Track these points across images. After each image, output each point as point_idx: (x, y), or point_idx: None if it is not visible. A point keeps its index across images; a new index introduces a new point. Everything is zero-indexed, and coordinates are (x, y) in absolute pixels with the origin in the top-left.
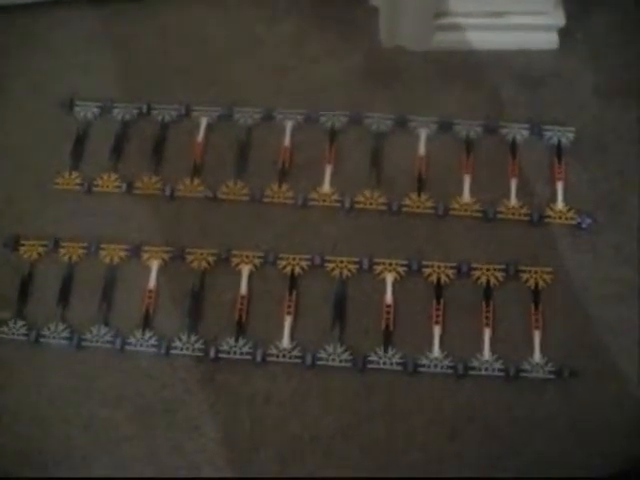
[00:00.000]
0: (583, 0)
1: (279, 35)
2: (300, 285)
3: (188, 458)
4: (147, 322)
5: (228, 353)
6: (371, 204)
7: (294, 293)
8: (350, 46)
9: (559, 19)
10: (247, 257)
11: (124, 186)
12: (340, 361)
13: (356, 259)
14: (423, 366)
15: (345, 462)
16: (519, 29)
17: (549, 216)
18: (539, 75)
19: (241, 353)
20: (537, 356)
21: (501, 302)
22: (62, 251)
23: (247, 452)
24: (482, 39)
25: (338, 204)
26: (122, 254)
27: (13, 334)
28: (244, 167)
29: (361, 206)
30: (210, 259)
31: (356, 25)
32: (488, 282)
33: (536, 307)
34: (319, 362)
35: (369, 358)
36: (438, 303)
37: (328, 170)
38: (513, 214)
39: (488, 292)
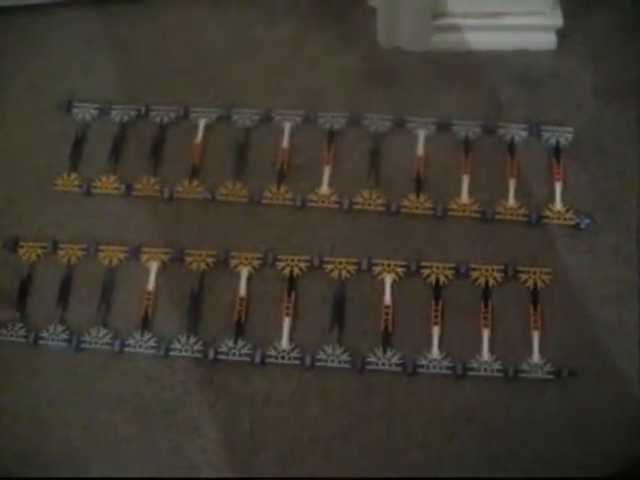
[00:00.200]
0: (581, 0)
1: (278, 36)
2: (299, 286)
3: (188, 459)
4: (146, 324)
5: (227, 354)
6: (370, 205)
7: (293, 294)
8: (349, 47)
9: (557, 20)
10: (246, 258)
11: (123, 188)
12: (339, 362)
13: (355, 260)
14: (422, 367)
15: (345, 462)
16: (517, 30)
17: (548, 217)
18: (537, 75)
19: (240, 354)
20: (536, 356)
21: (500, 303)
22: (61, 253)
23: (247, 453)
24: (480, 40)
25: (337, 205)
26: (121, 256)
27: (12, 336)
28: (243, 168)
29: (360, 207)
30: (209, 260)
31: (354, 26)
32: (487, 283)
33: (535, 308)
34: (318, 363)
35: (368, 359)
36: (437, 304)
37: (327, 171)
38: (512, 215)
39: (487, 293)
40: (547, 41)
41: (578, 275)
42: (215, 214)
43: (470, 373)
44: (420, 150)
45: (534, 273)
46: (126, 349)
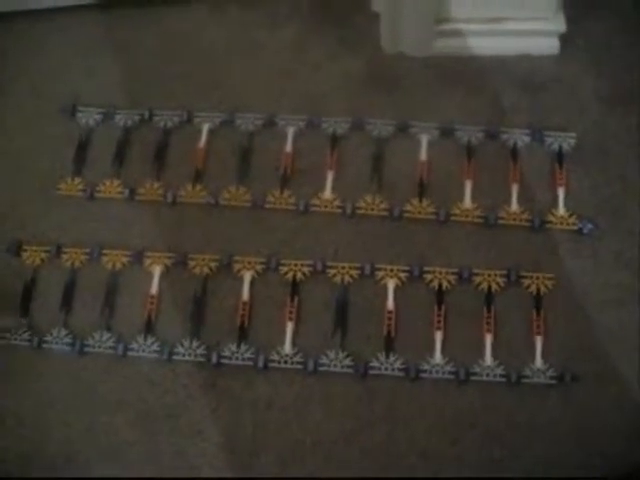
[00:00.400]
0: (584, 5)
1: (281, 41)
2: (302, 291)
3: (190, 462)
4: (149, 328)
5: (230, 359)
6: (372, 210)
7: (296, 299)
8: (351, 52)
9: (560, 25)
10: (249, 263)
11: (126, 192)
12: (342, 367)
13: (358, 265)
14: (425, 372)
15: (347, 467)
16: (520, 35)
17: (550, 222)
18: (540, 81)
19: (243, 359)
20: (539, 362)
21: (502, 308)
22: (64, 257)
23: (249, 457)
24: (483, 45)
25: (340, 210)
26: (124, 260)
27: (16, 339)
28: (246, 173)
29: (362, 212)
30: (212, 265)
31: (357, 31)
32: (489, 288)
33: (537, 313)
34: (321, 368)
35: (371, 364)
36: (439, 309)
37: (330, 176)
38: (514, 220)
39: (489, 298)
40: (550, 46)
41: (581, 280)
42: (218, 218)
43: (473, 378)
44: (423, 155)
45: (537, 278)
46: (129, 353)
